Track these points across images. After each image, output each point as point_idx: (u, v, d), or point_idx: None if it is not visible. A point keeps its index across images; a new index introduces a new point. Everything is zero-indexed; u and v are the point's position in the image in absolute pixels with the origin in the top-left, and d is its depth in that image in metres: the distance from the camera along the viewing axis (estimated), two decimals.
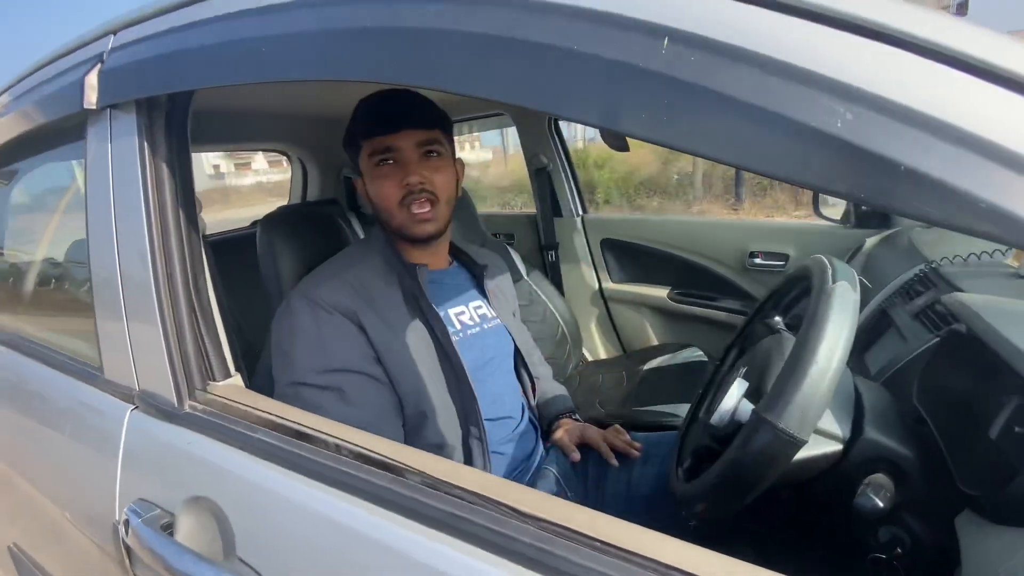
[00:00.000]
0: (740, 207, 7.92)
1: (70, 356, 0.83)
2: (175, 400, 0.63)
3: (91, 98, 0.66)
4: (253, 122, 1.75)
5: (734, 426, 0.60)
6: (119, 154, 0.66)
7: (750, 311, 1.65)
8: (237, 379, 0.68)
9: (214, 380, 0.66)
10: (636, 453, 0.95)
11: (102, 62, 0.66)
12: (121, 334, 0.68)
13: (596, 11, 0.33)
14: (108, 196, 0.68)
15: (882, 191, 0.27)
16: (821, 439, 0.59)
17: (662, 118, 0.32)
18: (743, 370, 0.72)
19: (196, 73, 0.55)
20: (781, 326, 0.82)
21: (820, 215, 1.74)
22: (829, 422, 0.59)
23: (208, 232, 1.90)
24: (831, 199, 1.75)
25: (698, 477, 0.64)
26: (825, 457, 0.59)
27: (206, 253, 0.70)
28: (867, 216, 1.49)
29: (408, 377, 0.79)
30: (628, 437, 0.99)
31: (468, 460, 0.81)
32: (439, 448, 0.80)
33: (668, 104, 0.31)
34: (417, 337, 0.81)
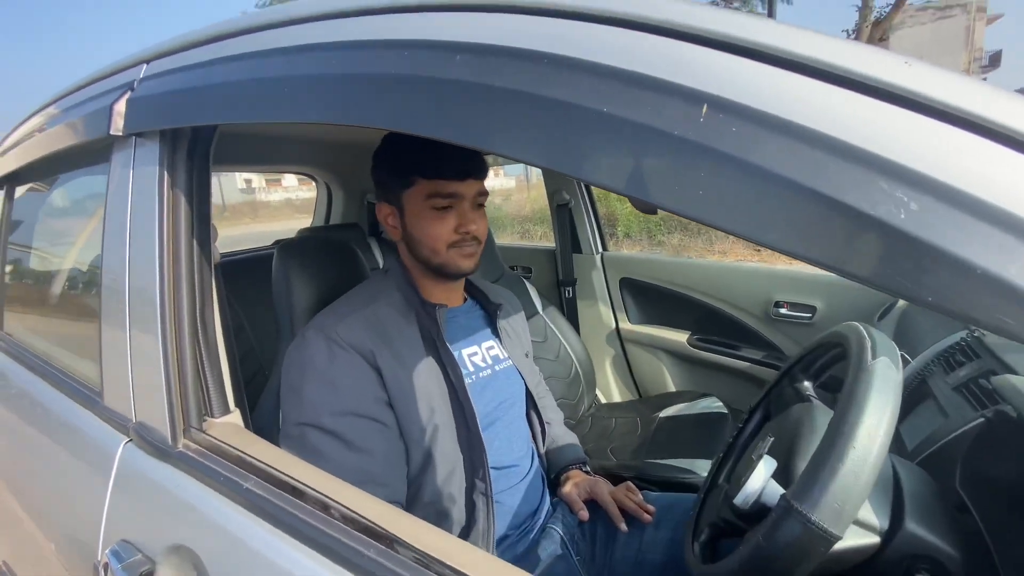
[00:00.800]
0: (762, 249, 7.82)
1: (74, 377, 0.82)
2: (169, 436, 0.61)
3: (118, 124, 0.66)
4: (282, 146, 1.79)
5: (759, 507, 0.54)
6: (140, 181, 0.66)
7: (773, 362, 1.62)
8: (236, 416, 0.66)
9: (212, 416, 0.64)
10: (648, 518, 0.89)
11: (132, 90, 0.67)
12: (123, 361, 0.67)
13: (630, 72, 0.31)
14: (125, 220, 0.67)
15: (953, 295, 0.23)
16: (856, 529, 0.53)
17: (696, 192, 0.29)
18: (770, 440, 0.67)
19: (218, 109, 0.55)
20: (811, 393, 0.77)
21: None
22: (866, 511, 0.54)
23: (231, 249, 1.92)
24: None
25: (717, 558, 0.58)
26: (860, 551, 0.53)
27: (217, 282, 0.69)
28: None
29: (418, 423, 0.76)
30: (640, 497, 0.93)
31: (471, 514, 0.77)
32: (440, 500, 0.76)
33: (704, 177, 0.28)
34: (431, 381, 0.79)
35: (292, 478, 0.51)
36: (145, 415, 0.64)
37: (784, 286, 1.62)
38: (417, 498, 0.77)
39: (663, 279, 1.82)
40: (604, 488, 0.94)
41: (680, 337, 1.79)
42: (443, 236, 0.81)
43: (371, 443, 0.72)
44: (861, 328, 0.60)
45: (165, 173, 0.63)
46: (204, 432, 0.60)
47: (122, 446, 0.65)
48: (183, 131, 0.64)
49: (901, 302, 1.32)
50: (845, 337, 0.62)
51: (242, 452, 0.55)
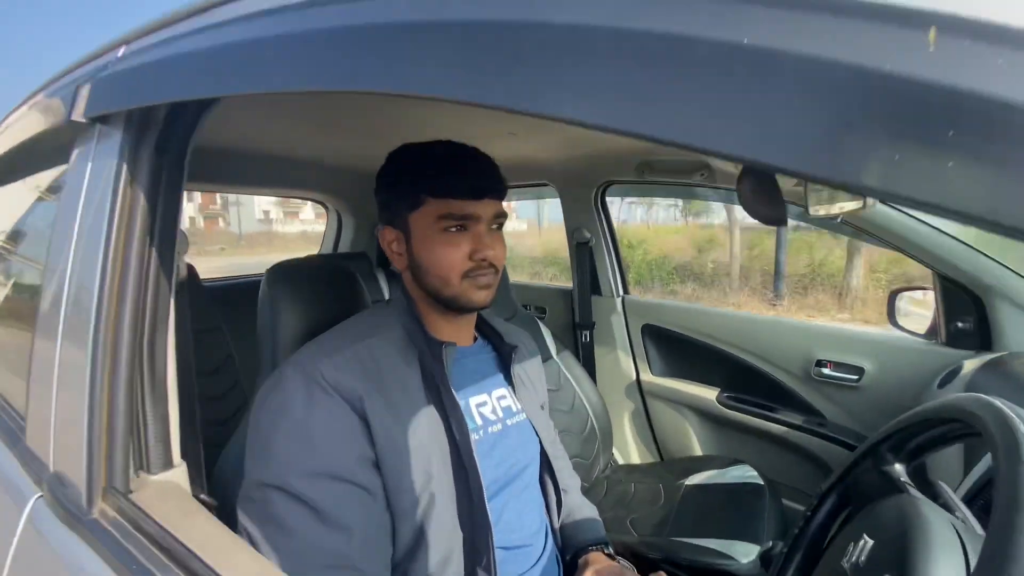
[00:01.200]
0: (779, 303, 7.64)
1: (7, 403, 0.68)
2: (84, 497, 0.46)
3: (80, 108, 0.56)
4: (292, 169, 1.71)
5: None
6: (96, 175, 0.55)
7: (814, 428, 1.44)
8: (179, 473, 0.52)
9: (147, 471, 0.50)
10: None
11: (103, 70, 0.57)
12: (48, 392, 0.54)
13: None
14: (74, 221, 0.56)
15: None
16: None
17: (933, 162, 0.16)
18: (868, 544, 0.51)
19: (190, 80, 0.44)
20: (907, 480, 0.61)
21: (897, 326, 1.53)
22: None
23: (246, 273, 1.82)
24: (906, 309, 1.55)
25: None
26: None
27: (179, 305, 0.56)
28: (961, 334, 1.27)
29: (410, 491, 0.61)
30: None
31: None
32: None
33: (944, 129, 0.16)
34: (431, 437, 0.64)
35: (217, 572, 0.36)
36: (63, 464, 0.51)
37: (827, 343, 1.46)
38: None
39: (691, 328, 1.67)
40: None
41: (709, 394, 1.62)
42: (456, 264, 0.69)
43: (349, 516, 0.57)
44: (999, 405, 0.45)
45: (125, 167, 0.52)
46: (130, 494, 0.46)
47: (31, 502, 0.51)
48: (153, 120, 0.53)
49: (967, 367, 1.16)
50: (974, 416, 0.47)
51: (168, 528, 0.41)
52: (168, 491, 0.48)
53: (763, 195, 0.54)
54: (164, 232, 0.54)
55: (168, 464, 0.51)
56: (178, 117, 0.54)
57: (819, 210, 0.83)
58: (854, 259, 7.66)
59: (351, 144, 1.39)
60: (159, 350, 0.52)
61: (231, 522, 0.54)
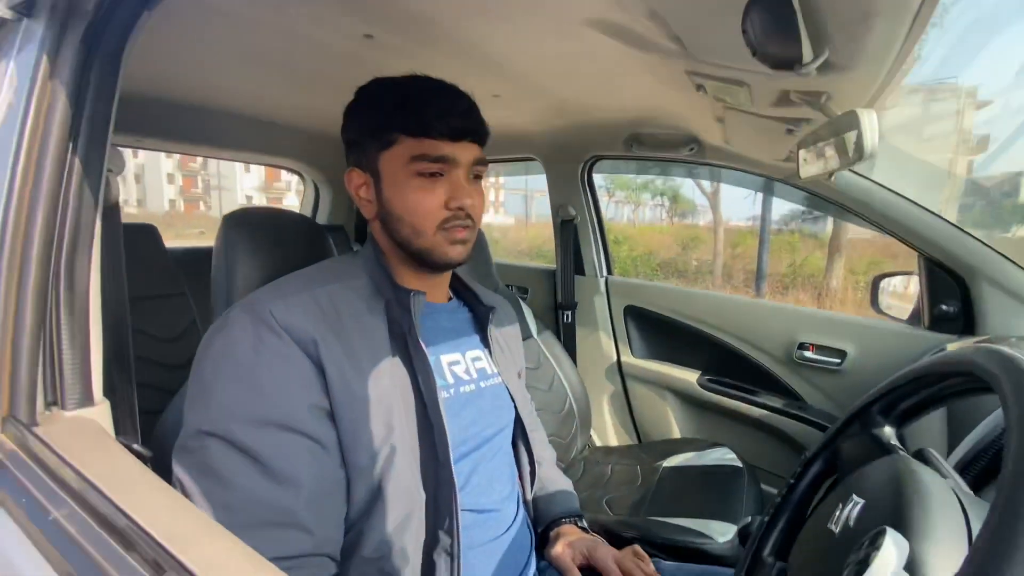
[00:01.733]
0: (767, 289, 7.74)
1: None
2: None
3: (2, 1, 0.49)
4: (266, 132, 1.63)
5: None
6: (17, 74, 0.48)
7: (795, 412, 1.42)
8: (100, 411, 0.46)
9: (61, 407, 0.43)
10: None
11: None
12: None
13: None
14: None
15: None
16: None
17: None
18: (858, 505, 0.47)
19: None
20: (896, 443, 0.58)
21: (880, 311, 1.52)
22: None
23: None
24: (890, 295, 1.54)
25: None
26: None
27: (110, 232, 0.50)
28: (944, 318, 1.26)
29: (368, 445, 0.56)
30: (652, 568, 0.72)
31: None
32: (388, 556, 0.55)
33: None
34: (394, 389, 0.59)
35: (124, 511, 0.30)
36: None
37: (810, 326, 1.45)
38: (355, 551, 0.56)
39: (673, 310, 1.64)
40: (606, 552, 0.73)
41: (689, 377, 1.59)
42: (431, 211, 0.63)
43: (297, 469, 0.51)
44: (1007, 352, 0.42)
45: (45, 60, 0.45)
46: (34, 427, 0.40)
47: None
48: (81, 9, 0.46)
49: (951, 346, 1.14)
50: (979, 367, 0.43)
51: (72, 462, 0.35)
52: (83, 429, 0.42)
53: (776, 29, 0.47)
54: (91, 141, 0.47)
55: (86, 401, 0.45)
56: (114, 9, 0.48)
57: (810, 169, 0.79)
58: (834, 260, 7.79)
59: (328, 106, 1.32)
60: (79, 273, 0.45)
61: (168, 479, 0.49)
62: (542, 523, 0.80)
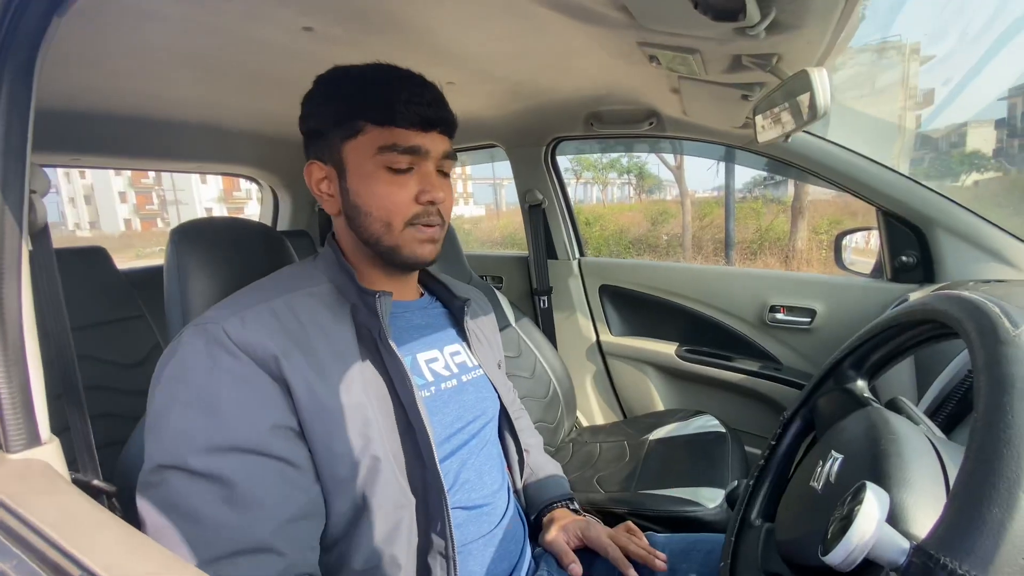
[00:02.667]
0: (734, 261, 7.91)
1: None
2: None
3: None
4: (217, 140, 1.56)
5: (864, 564, 0.35)
6: None
7: (771, 373, 1.46)
8: (49, 451, 0.43)
9: (5, 449, 0.40)
10: (662, 565, 0.68)
11: None
12: None
13: None
14: None
15: None
16: None
17: None
18: (837, 460, 0.48)
19: None
20: (868, 395, 0.59)
21: (844, 268, 1.56)
22: None
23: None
24: (853, 251, 1.58)
25: None
26: None
27: (40, 253, 0.46)
28: (905, 268, 1.30)
29: (346, 457, 0.53)
30: (646, 541, 0.72)
31: None
32: (379, 567, 0.54)
33: None
34: (369, 397, 0.56)
35: (76, 558, 0.28)
36: None
37: (780, 289, 1.47)
38: (344, 566, 0.54)
39: (647, 285, 1.66)
40: (600, 530, 0.73)
41: (667, 349, 1.61)
42: (400, 206, 0.61)
43: (264, 492, 0.49)
44: (967, 296, 0.42)
45: None
46: None
47: None
48: None
49: (913, 298, 1.18)
50: (943, 313, 0.44)
51: (13, 507, 0.32)
52: (30, 472, 0.39)
53: None
54: (7, 161, 0.43)
55: (33, 441, 0.41)
56: (20, 18, 0.44)
57: (767, 134, 0.80)
58: (798, 222, 8.00)
59: (275, 106, 1.26)
60: (8, 303, 0.42)
61: (135, 512, 0.46)
62: (534, 510, 0.80)
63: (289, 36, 0.86)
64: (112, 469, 0.65)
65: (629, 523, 0.75)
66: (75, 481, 0.46)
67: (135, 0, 0.72)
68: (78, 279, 1.30)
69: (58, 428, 0.46)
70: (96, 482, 0.49)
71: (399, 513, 0.55)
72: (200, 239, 0.73)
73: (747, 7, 0.47)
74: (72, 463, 0.50)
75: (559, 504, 0.79)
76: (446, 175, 0.66)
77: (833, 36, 0.63)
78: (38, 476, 0.39)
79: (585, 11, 0.70)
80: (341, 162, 0.61)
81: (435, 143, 0.62)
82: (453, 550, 0.56)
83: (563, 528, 0.74)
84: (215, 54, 0.93)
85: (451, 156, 0.65)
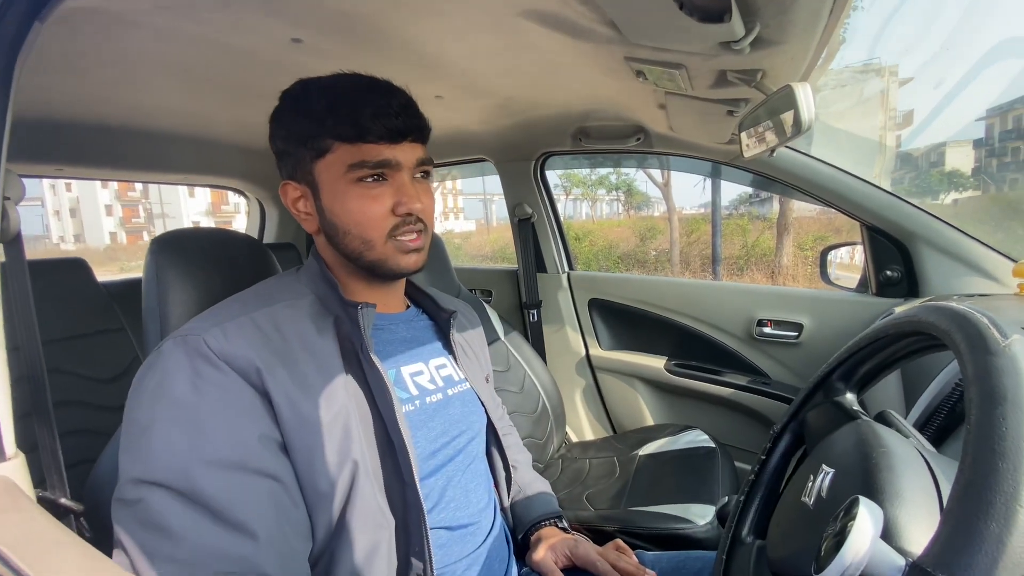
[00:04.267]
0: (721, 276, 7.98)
1: None
2: None
3: None
4: (200, 151, 1.55)
5: None
6: None
7: (759, 387, 1.46)
8: (12, 466, 0.40)
9: None
10: None
11: None
12: None
13: None
14: None
15: None
16: None
17: None
18: (828, 474, 0.47)
19: None
20: (858, 408, 0.58)
21: (830, 283, 1.58)
22: None
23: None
24: (838, 265, 1.60)
25: None
26: None
27: (11, 264, 0.45)
28: (890, 283, 1.31)
29: (325, 471, 0.52)
30: (636, 559, 0.71)
31: None
32: None
33: None
34: (350, 411, 0.55)
35: None
36: None
37: (767, 303, 1.48)
38: None
39: (636, 299, 1.66)
40: (588, 548, 0.72)
41: (656, 363, 1.61)
42: (377, 220, 0.60)
43: (252, 511, 0.47)
44: (956, 308, 0.42)
45: None
46: None
47: None
48: None
49: (899, 309, 1.19)
50: (931, 325, 0.44)
51: None
52: None
53: None
54: None
55: None
56: None
57: (752, 149, 0.80)
58: (783, 238, 8.11)
59: (262, 118, 1.25)
60: None
61: (103, 533, 0.44)
62: (522, 528, 0.78)
63: (277, 48, 0.86)
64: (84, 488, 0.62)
65: (619, 541, 0.74)
66: (41, 500, 0.44)
67: (121, 9, 0.71)
68: (57, 291, 1.27)
69: (28, 446, 0.44)
70: (63, 500, 0.47)
71: (378, 533, 0.54)
72: (180, 250, 0.71)
73: (732, 12, 0.48)
74: (42, 482, 0.48)
75: (547, 522, 0.78)
76: (427, 175, 0.65)
77: (816, 52, 0.64)
78: (1, 495, 0.37)
79: (572, 26, 0.71)
80: (314, 181, 0.60)
81: (407, 153, 0.61)
82: (432, 572, 0.54)
83: (551, 547, 0.73)
84: (202, 65, 0.93)
85: (427, 161, 0.64)
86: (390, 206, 0.60)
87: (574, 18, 0.67)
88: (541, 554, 0.71)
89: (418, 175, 0.64)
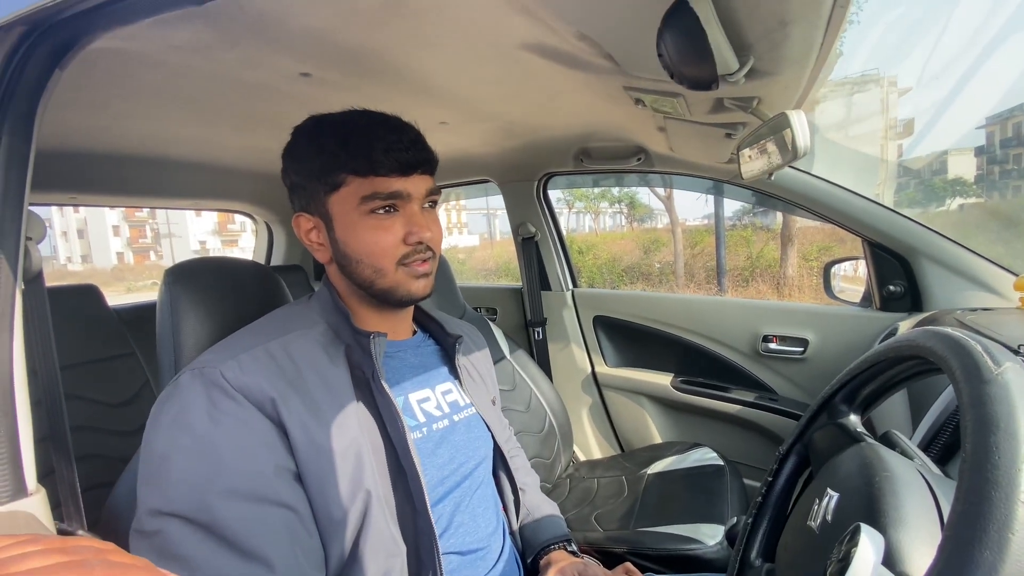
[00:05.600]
0: (723, 296, 7.96)
1: None
2: None
3: None
4: (210, 177, 1.58)
5: None
6: None
7: (766, 403, 1.45)
8: (34, 502, 0.42)
9: None
10: None
11: None
12: None
13: None
14: None
15: None
16: None
17: None
18: (833, 498, 0.48)
19: None
20: (862, 430, 0.59)
21: (834, 297, 1.58)
22: None
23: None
24: (842, 279, 1.61)
25: None
26: None
27: (32, 300, 0.47)
28: (893, 297, 1.32)
29: (337, 501, 0.53)
30: None
31: None
32: None
33: None
34: (363, 439, 0.56)
35: None
36: None
37: (771, 319, 1.49)
38: None
39: (641, 316, 1.66)
40: (598, 572, 0.72)
41: (663, 380, 1.61)
42: (388, 250, 0.62)
43: (269, 541, 0.48)
44: (951, 334, 0.43)
45: None
46: None
47: None
48: None
49: (903, 328, 1.19)
50: (928, 350, 0.45)
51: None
52: (14, 525, 0.38)
53: (688, 52, 0.48)
54: (5, 210, 0.44)
55: (19, 492, 0.41)
56: (22, 70, 0.45)
57: (750, 171, 0.82)
58: (787, 249, 8.10)
59: (271, 144, 1.29)
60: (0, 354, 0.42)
61: None
62: (531, 552, 0.78)
63: (286, 81, 0.89)
64: (98, 513, 0.63)
65: (628, 564, 0.74)
66: (60, 532, 0.45)
67: (136, 48, 0.74)
68: (69, 317, 1.30)
69: (43, 471, 0.46)
70: (80, 533, 0.48)
71: (390, 562, 0.54)
72: (194, 279, 0.73)
73: (724, 63, 0.50)
74: (56, 507, 0.49)
75: (556, 546, 0.78)
76: (434, 204, 0.67)
77: (809, 81, 0.66)
78: (23, 529, 0.38)
79: (572, 58, 0.73)
80: (327, 213, 0.63)
81: (417, 185, 0.63)
82: None
83: (560, 571, 0.73)
84: (213, 97, 0.96)
85: (435, 191, 0.66)
86: (401, 236, 0.62)
87: (573, 52, 0.69)
88: None
89: (427, 205, 0.66)
